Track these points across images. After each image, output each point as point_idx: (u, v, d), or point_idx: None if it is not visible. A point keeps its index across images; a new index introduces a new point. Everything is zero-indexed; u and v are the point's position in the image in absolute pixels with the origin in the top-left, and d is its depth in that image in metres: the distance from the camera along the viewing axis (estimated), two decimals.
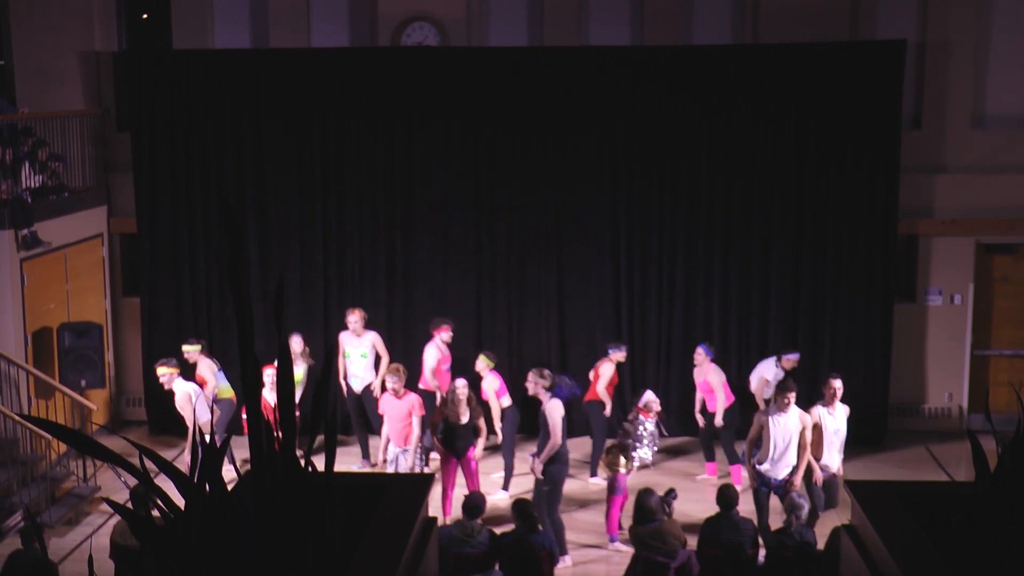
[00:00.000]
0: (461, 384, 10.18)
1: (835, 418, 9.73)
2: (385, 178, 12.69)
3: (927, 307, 12.92)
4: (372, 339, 11.80)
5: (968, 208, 12.65)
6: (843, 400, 9.93)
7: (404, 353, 12.20)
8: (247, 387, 3.42)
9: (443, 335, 11.57)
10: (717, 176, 12.44)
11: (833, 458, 9.76)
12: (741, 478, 10.69)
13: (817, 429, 9.59)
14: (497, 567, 7.86)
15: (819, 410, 9.69)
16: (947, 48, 12.61)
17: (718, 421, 11.23)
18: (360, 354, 11.74)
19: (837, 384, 9.77)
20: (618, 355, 11.56)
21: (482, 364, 11.24)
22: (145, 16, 13.99)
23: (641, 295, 12.72)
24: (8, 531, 9.95)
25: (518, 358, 12.64)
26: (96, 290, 13.00)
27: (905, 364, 12.78)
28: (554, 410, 9.61)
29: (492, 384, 11.19)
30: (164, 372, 10.74)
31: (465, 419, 10.15)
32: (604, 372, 11.48)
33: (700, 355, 11.43)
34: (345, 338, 11.79)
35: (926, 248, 12.83)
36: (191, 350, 11.44)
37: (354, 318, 11.67)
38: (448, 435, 10.15)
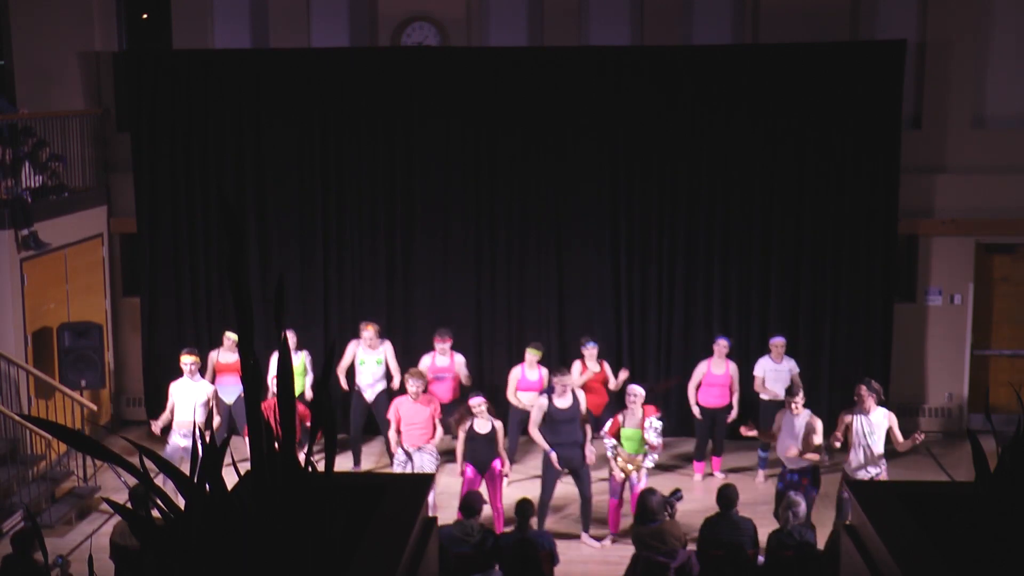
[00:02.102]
0: (476, 403, 9.89)
1: (865, 423, 9.38)
2: (385, 178, 12.70)
3: (927, 307, 12.92)
4: (386, 349, 11.73)
5: (968, 208, 12.65)
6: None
7: (404, 353, 12.19)
8: (247, 387, 3.42)
9: (436, 345, 11.47)
10: (717, 176, 12.44)
11: (865, 460, 9.39)
12: (718, 468, 11.70)
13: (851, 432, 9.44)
14: (497, 567, 7.86)
15: (852, 416, 9.45)
16: (947, 48, 12.61)
17: (734, 414, 11.43)
18: (376, 360, 11.67)
19: (863, 391, 9.42)
20: (584, 351, 11.53)
21: (531, 356, 11.31)
22: (145, 16, 13.98)
23: (641, 295, 12.72)
24: (7, 532, 9.95)
25: (518, 358, 12.62)
26: (96, 290, 13.00)
27: (905, 364, 12.78)
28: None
29: (531, 376, 11.23)
30: (190, 360, 10.42)
31: (483, 430, 9.91)
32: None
33: (724, 346, 11.43)
34: (359, 348, 11.68)
35: (926, 248, 12.83)
36: (235, 337, 11.38)
37: (368, 334, 11.54)
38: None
